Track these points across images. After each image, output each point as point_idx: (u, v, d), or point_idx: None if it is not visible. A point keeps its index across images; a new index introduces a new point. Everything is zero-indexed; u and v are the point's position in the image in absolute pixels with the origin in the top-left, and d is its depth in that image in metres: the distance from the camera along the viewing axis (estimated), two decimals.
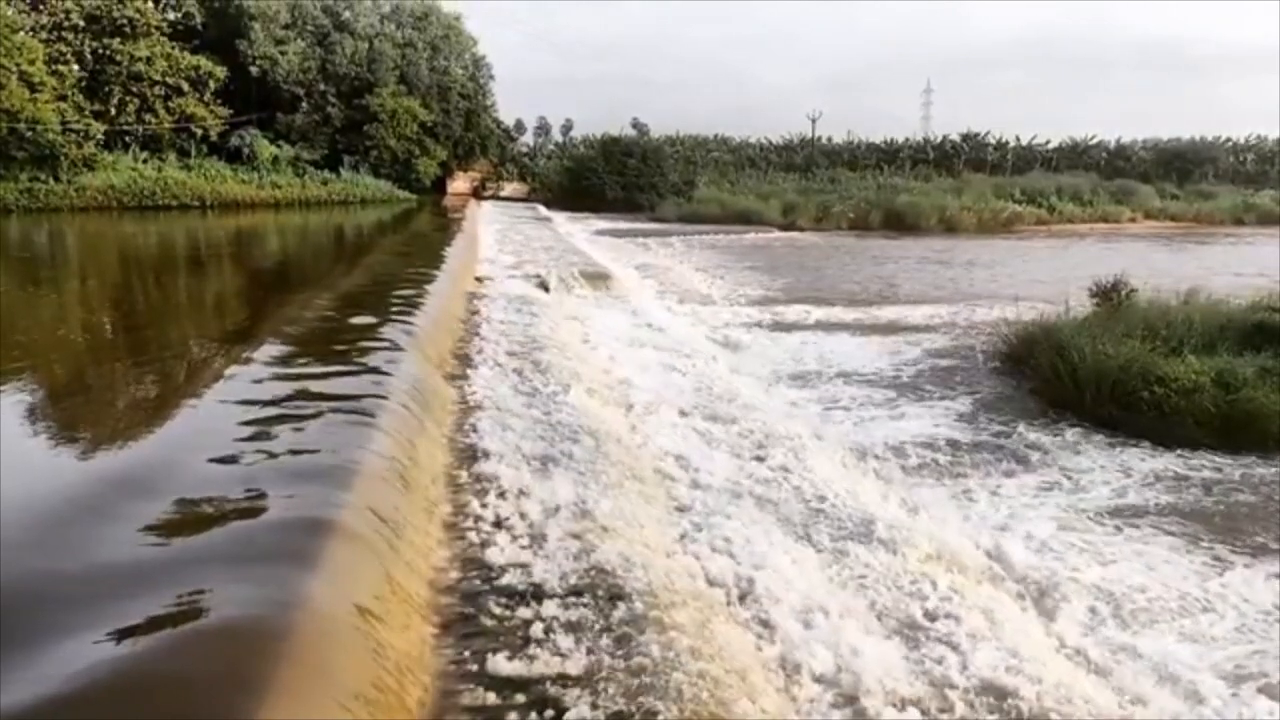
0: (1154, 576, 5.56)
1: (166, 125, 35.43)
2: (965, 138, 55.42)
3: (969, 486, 7.25)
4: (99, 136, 31.84)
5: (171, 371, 7.45)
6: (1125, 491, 7.14)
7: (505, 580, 3.91)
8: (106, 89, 34.09)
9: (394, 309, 9.26)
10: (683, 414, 7.84)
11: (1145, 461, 7.79)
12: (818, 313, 15.65)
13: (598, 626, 3.55)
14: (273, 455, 4.47)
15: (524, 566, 4.05)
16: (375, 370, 6.50)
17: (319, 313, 9.30)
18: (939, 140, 56.36)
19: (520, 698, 3.07)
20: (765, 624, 4.03)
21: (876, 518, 5.64)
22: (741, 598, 4.26)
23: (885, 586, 4.67)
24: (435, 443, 5.65)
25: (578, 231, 29.26)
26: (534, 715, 2.98)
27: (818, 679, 3.68)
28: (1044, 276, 20.66)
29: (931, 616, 4.37)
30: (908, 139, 56.85)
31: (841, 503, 5.91)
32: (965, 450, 8.11)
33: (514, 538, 4.37)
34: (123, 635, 2.69)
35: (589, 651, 3.36)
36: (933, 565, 5.02)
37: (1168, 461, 7.77)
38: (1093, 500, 6.96)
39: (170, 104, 35.55)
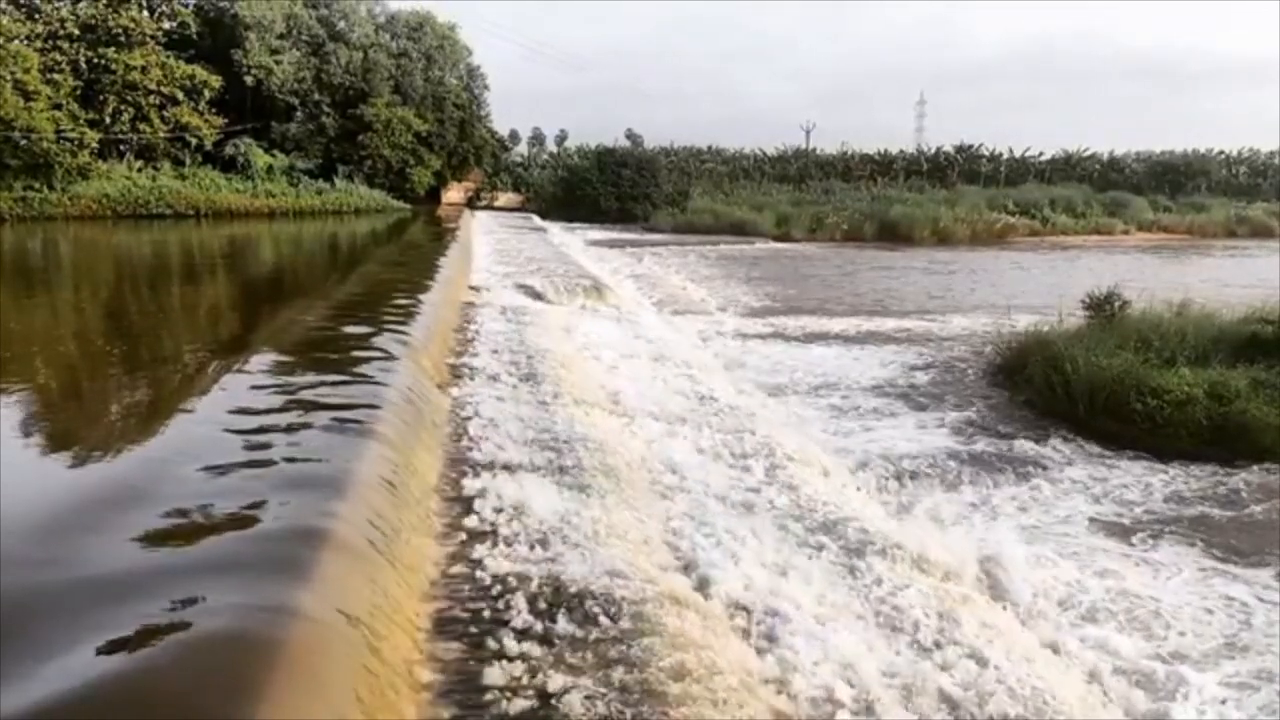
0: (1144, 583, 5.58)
1: (161, 134, 35.31)
2: (959, 149, 55.56)
3: (961, 496, 7.25)
4: (94, 145, 31.72)
5: (165, 381, 7.43)
6: (1118, 501, 7.15)
7: (497, 589, 3.89)
8: (101, 98, 33.97)
9: (388, 318, 9.25)
10: (676, 422, 7.82)
11: (1138, 472, 7.79)
12: (815, 323, 15.66)
13: (594, 636, 3.54)
14: (267, 464, 4.46)
15: (517, 575, 4.04)
16: (369, 380, 6.49)
17: (313, 322, 9.28)
18: (932, 152, 56.46)
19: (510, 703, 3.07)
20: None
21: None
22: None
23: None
24: (429, 451, 5.65)
25: (572, 242, 29.24)
26: None
27: None
28: (1045, 287, 20.63)
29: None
30: (901, 150, 57.02)
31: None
32: (955, 460, 8.09)
33: (509, 544, 4.36)
34: (117, 645, 2.68)
35: (582, 657, 3.36)
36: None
37: (1161, 472, 7.77)
38: (1084, 509, 6.97)
39: (165, 113, 35.42)
